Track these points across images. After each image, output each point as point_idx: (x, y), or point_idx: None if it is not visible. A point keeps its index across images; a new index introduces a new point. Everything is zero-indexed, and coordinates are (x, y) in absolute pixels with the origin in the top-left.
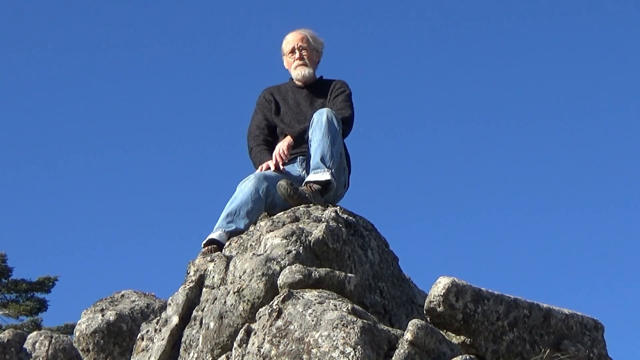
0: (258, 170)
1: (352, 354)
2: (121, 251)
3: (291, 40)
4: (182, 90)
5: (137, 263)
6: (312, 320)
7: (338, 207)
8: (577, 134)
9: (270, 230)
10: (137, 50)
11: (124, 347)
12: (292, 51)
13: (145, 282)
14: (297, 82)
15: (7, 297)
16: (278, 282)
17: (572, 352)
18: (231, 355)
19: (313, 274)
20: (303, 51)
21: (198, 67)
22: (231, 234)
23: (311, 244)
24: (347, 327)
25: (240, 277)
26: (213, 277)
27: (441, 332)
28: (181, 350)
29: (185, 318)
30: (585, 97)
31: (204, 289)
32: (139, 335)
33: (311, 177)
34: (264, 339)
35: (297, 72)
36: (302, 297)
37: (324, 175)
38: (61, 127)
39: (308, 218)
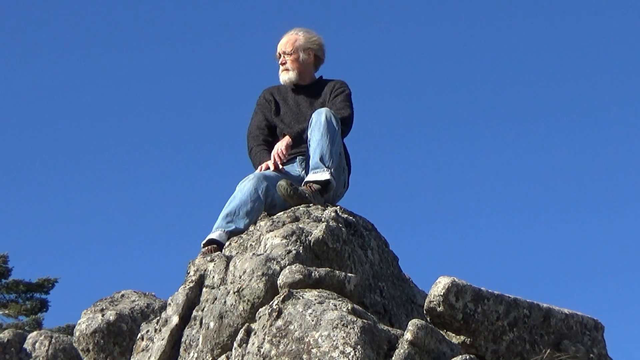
0: (257, 170)
1: (352, 353)
2: (121, 251)
3: (278, 45)
4: (182, 90)
5: (137, 263)
6: (312, 320)
7: (338, 207)
8: (577, 134)
9: (270, 230)
10: (137, 50)
11: (124, 347)
12: (278, 56)
13: (145, 282)
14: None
15: (7, 297)
16: (278, 282)
17: (572, 352)
18: (231, 355)
19: (313, 274)
20: (286, 56)
21: (198, 67)
22: (231, 234)
23: (311, 243)
24: (347, 327)
25: (240, 277)
26: (213, 277)
27: (441, 332)
28: (181, 350)
29: (185, 318)
30: (584, 97)
31: (204, 289)
32: (139, 335)
33: (310, 177)
34: (264, 339)
35: (281, 78)
36: (302, 297)
37: (324, 175)
38: (61, 127)
39: (308, 218)
